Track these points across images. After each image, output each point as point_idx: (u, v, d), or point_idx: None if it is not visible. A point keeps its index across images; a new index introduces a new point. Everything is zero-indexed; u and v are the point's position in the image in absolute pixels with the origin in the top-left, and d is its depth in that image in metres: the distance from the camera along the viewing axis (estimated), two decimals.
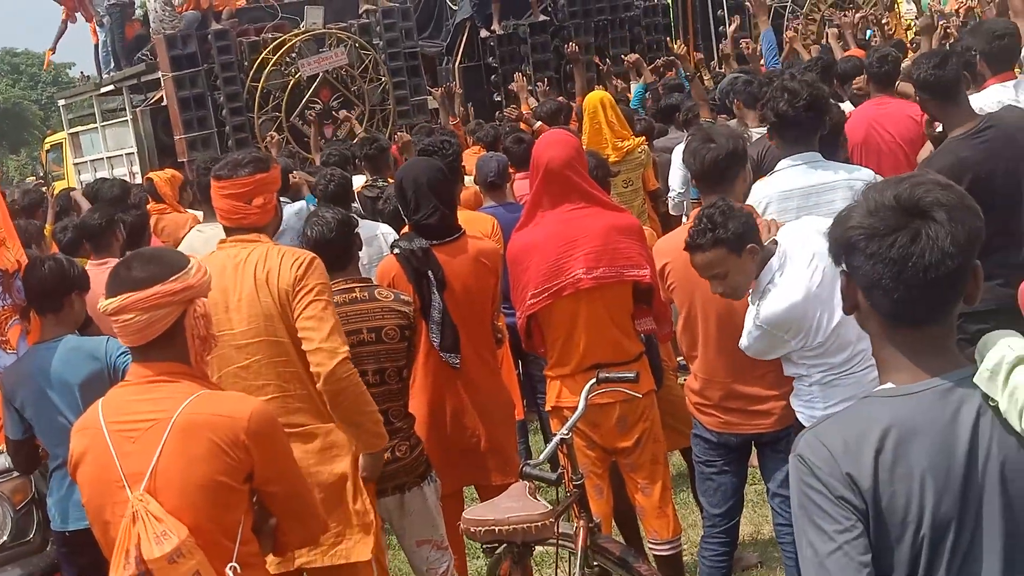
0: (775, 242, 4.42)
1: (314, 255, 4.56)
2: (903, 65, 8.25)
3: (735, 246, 4.25)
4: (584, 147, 8.07)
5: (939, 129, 5.97)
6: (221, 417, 3.21)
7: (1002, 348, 2.19)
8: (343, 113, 14.23)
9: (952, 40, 10.14)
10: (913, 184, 2.22)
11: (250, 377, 4.44)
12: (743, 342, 4.50)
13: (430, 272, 5.27)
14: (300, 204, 8.44)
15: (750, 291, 4.45)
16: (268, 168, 4.64)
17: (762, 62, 11.54)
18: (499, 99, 17.71)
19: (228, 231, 4.64)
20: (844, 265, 2.29)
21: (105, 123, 18.85)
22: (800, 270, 4.32)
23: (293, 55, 16.57)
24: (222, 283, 4.39)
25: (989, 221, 5.47)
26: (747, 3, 9.88)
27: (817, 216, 4.68)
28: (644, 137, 9.28)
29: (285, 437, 3.49)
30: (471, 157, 9.38)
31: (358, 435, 4.50)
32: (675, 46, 10.53)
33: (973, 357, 2.24)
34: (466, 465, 5.42)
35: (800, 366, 4.53)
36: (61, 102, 23.33)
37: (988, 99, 6.40)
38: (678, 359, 5.84)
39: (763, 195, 5.22)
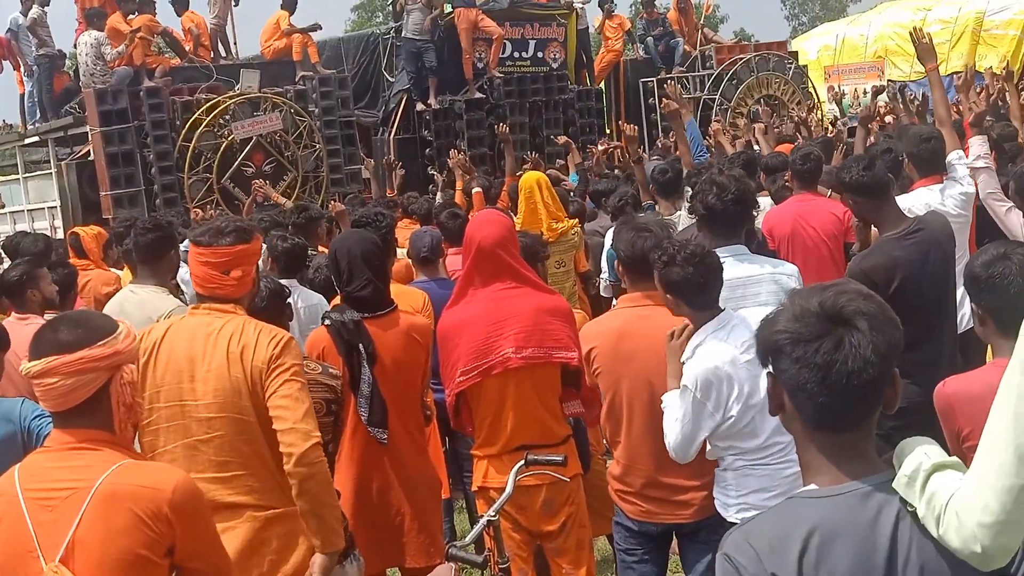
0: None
1: (290, 335, 4.47)
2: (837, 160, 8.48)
3: None
4: (519, 226, 8.21)
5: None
6: (144, 488, 3.10)
7: (919, 455, 2.28)
8: (256, 183, 13.73)
9: (871, 143, 10.44)
10: (837, 292, 2.31)
11: (211, 452, 4.29)
12: (671, 436, 4.56)
13: (361, 345, 5.28)
14: None
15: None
16: (250, 239, 4.49)
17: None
18: (432, 172, 17.85)
19: (201, 298, 4.54)
20: (770, 367, 2.37)
21: (28, 175, 18.63)
22: (734, 340, 4.44)
23: (227, 117, 16.58)
24: (190, 351, 4.28)
25: (915, 321, 5.64)
26: (665, 99, 10.02)
27: (744, 308, 4.80)
28: (577, 219, 9.39)
29: (210, 511, 3.41)
30: (404, 230, 9.43)
31: (318, 528, 4.25)
32: (627, 128, 10.59)
33: (891, 461, 2.33)
34: (391, 545, 5.35)
35: (715, 447, 4.63)
36: None
37: (916, 201, 6.58)
38: (605, 442, 5.88)
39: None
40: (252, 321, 4.44)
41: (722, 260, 5.12)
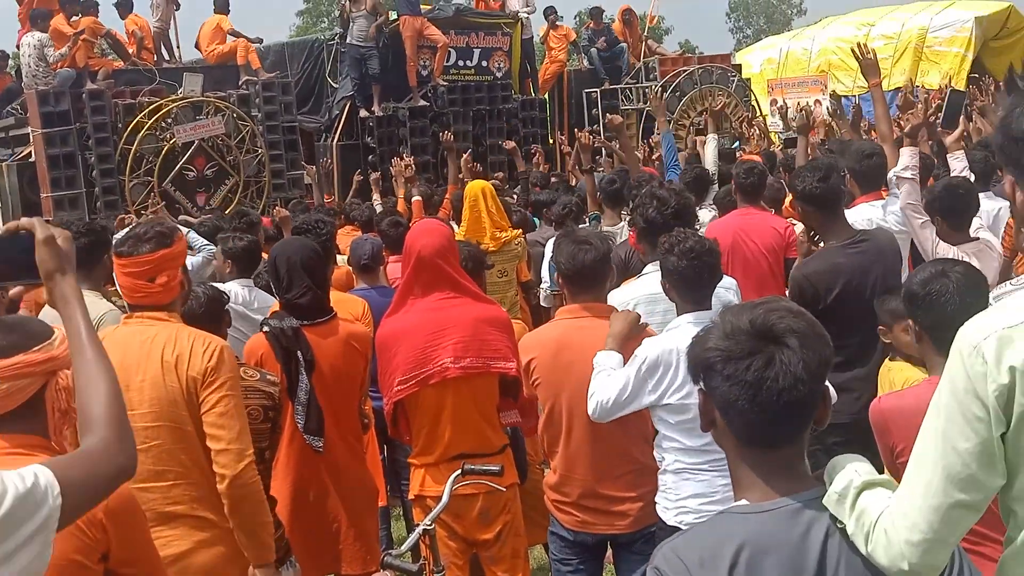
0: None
1: (225, 343, 4.43)
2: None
3: None
4: (463, 235, 8.21)
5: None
6: None
7: (849, 472, 2.30)
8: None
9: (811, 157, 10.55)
10: (768, 310, 2.32)
11: (148, 462, 4.22)
12: (602, 395, 4.66)
13: (299, 352, 5.26)
14: None
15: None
16: (171, 243, 4.43)
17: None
18: (373, 176, 17.79)
19: (133, 308, 4.49)
20: (702, 384, 2.38)
21: None
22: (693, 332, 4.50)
23: (169, 121, 16.46)
24: (124, 361, 4.23)
25: (855, 332, 5.68)
26: (609, 115, 10.03)
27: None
28: (520, 229, 9.41)
29: (144, 518, 3.41)
30: (345, 237, 9.40)
31: (251, 544, 4.31)
32: (582, 136, 10.58)
33: (822, 478, 2.35)
34: (327, 552, 5.36)
35: (659, 445, 4.71)
36: None
37: (858, 216, 6.65)
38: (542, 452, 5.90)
39: (630, 297, 5.36)
40: (186, 329, 4.42)
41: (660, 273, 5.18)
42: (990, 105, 11.15)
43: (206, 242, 8.31)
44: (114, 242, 4.81)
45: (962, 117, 9.84)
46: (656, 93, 10.88)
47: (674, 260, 4.73)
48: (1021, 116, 2.19)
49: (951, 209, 6.21)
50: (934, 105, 9.80)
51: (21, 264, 2.66)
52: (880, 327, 4.62)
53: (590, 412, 4.73)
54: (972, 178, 7.34)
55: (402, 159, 13.52)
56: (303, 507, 5.32)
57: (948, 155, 7.71)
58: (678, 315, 4.80)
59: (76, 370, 2.71)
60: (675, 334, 4.68)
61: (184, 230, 8.27)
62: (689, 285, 4.75)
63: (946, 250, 6.02)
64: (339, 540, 5.35)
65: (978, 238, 6.31)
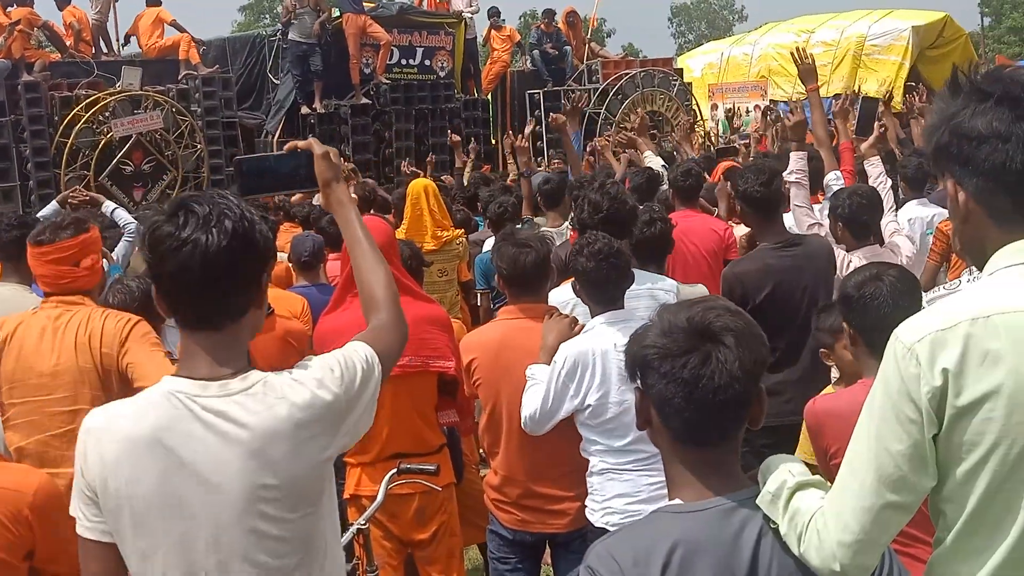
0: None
1: (139, 317, 4.45)
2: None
3: None
4: (403, 234, 8.18)
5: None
6: (4, 490, 3.09)
7: (783, 473, 2.31)
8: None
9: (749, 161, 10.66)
10: (705, 308, 2.33)
11: (63, 447, 4.25)
12: (529, 407, 4.70)
13: None
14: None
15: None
16: (88, 229, 4.52)
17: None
18: None
19: (48, 295, 4.47)
20: (639, 382, 2.39)
21: None
22: (622, 333, 4.53)
23: (107, 114, 16.28)
24: (39, 346, 4.24)
25: (786, 333, 5.71)
26: (553, 114, 10.07)
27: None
28: (462, 229, 9.39)
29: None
30: (284, 234, 9.33)
31: None
32: (518, 139, 10.58)
33: (756, 478, 2.36)
34: None
35: (584, 449, 4.75)
36: None
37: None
38: (479, 452, 5.89)
39: (569, 297, 5.37)
40: (99, 309, 4.45)
41: None
42: (928, 108, 11.27)
43: (130, 218, 8.21)
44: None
45: (876, 123, 9.95)
46: (641, 118, 10.98)
47: (583, 261, 4.78)
48: (974, 116, 2.21)
49: (851, 219, 6.28)
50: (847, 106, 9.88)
51: (302, 175, 3.17)
52: (821, 351, 4.61)
53: (523, 426, 4.77)
54: (890, 184, 7.41)
55: (345, 159, 13.43)
56: None
57: (864, 162, 7.78)
58: (591, 317, 4.83)
59: (356, 262, 3.07)
60: (590, 336, 4.73)
61: (110, 206, 8.22)
62: (597, 286, 4.81)
63: (839, 254, 6.10)
64: None
65: (876, 244, 6.38)
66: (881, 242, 6.60)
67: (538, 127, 19.23)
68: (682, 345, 2.29)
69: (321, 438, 2.63)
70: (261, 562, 2.59)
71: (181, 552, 2.55)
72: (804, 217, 6.42)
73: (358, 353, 2.77)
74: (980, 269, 2.30)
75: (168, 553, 2.55)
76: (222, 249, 2.54)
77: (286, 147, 3.19)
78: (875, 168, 7.54)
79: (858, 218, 6.26)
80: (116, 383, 4.31)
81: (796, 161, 6.69)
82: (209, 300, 2.58)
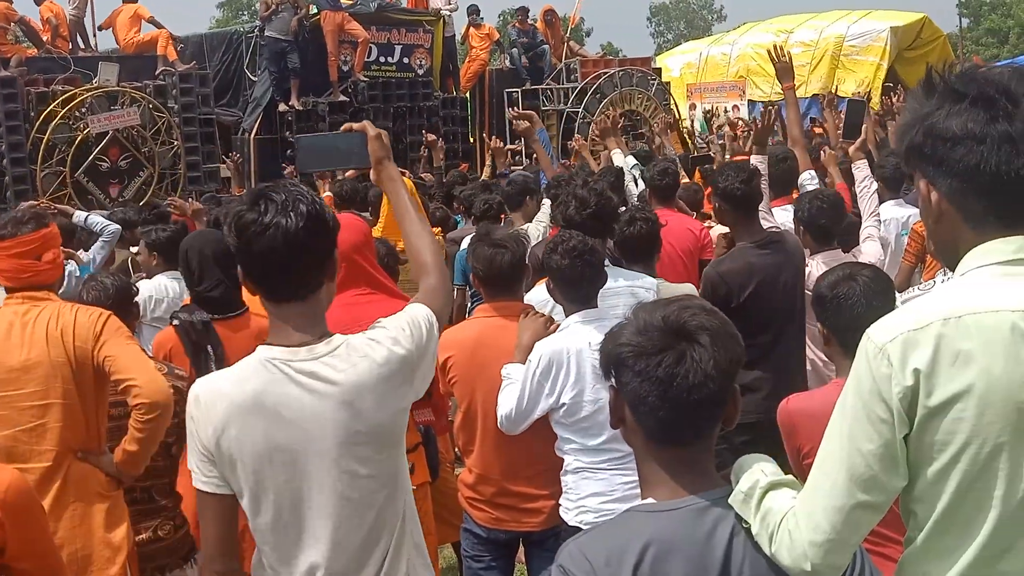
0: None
1: (110, 312, 4.46)
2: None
3: None
4: (380, 232, 8.15)
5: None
6: None
7: (756, 472, 2.32)
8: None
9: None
10: (681, 307, 2.33)
11: (32, 441, 4.27)
12: (505, 407, 4.71)
13: (209, 347, 5.19)
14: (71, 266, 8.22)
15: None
16: (48, 224, 4.55)
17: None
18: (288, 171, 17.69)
19: (11, 291, 4.48)
20: (613, 380, 2.38)
21: None
22: (597, 331, 4.53)
23: (83, 110, 16.22)
24: (8, 342, 4.24)
25: (766, 332, 5.72)
26: (515, 120, 10.06)
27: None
28: (440, 227, 9.36)
29: (42, 511, 3.37)
30: None
31: (136, 455, 4.37)
32: (491, 141, 10.59)
33: (729, 477, 2.36)
34: None
35: (559, 448, 4.75)
36: None
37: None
38: (454, 451, 5.89)
39: (546, 296, 5.36)
40: (68, 304, 4.47)
41: None
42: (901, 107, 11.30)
43: (108, 222, 8.17)
44: None
45: (864, 126, 9.98)
46: (611, 116, 10.94)
47: (557, 259, 4.78)
48: (948, 117, 2.21)
49: (809, 222, 6.31)
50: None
51: (356, 153, 3.50)
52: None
53: (499, 425, 4.78)
54: (875, 187, 7.44)
55: None
56: None
57: (852, 165, 7.80)
58: (566, 316, 4.83)
59: (405, 230, 3.45)
60: (565, 334, 4.73)
61: (81, 216, 8.19)
62: (572, 284, 4.81)
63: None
64: (244, 538, 5.27)
65: (838, 248, 6.40)
66: (852, 246, 6.63)
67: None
68: (657, 343, 2.28)
69: (400, 388, 3.07)
70: (356, 498, 3.02)
71: (288, 495, 2.98)
72: (761, 221, 6.43)
73: (420, 313, 3.19)
74: (952, 270, 2.30)
75: (278, 496, 2.98)
76: (300, 230, 2.91)
77: (342, 128, 3.55)
78: (861, 172, 7.58)
79: (815, 222, 6.28)
80: (91, 377, 4.31)
81: (757, 164, 6.71)
82: (292, 275, 2.98)
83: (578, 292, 4.81)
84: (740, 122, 16.35)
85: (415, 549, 3.22)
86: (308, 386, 2.96)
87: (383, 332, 3.09)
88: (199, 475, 3.00)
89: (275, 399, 2.95)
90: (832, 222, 6.40)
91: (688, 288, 5.94)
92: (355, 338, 3.06)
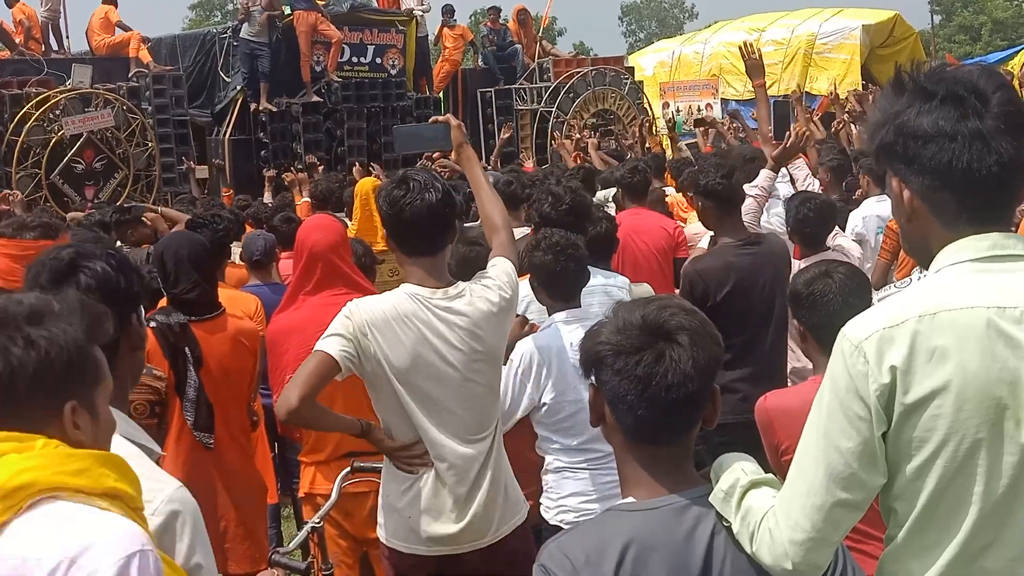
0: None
1: None
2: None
3: None
4: (355, 233, 8.15)
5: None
6: None
7: (736, 471, 2.32)
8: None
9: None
10: (660, 307, 2.34)
11: None
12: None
13: (187, 349, 5.18)
14: None
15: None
16: (56, 236, 4.55)
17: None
18: (268, 174, 17.65)
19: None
20: (592, 379, 2.39)
21: None
22: (579, 332, 4.53)
23: (57, 112, 16.14)
24: None
25: (743, 332, 5.73)
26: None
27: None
28: None
29: None
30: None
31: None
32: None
33: (708, 476, 2.38)
34: (215, 550, 5.19)
35: (539, 447, 4.77)
36: None
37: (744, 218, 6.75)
38: None
39: (524, 293, 5.37)
40: None
41: None
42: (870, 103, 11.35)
43: None
44: None
45: (792, 124, 10.02)
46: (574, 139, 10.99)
47: (540, 255, 4.79)
48: (919, 115, 2.23)
49: (795, 229, 6.35)
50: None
51: (441, 139, 4.62)
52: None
53: None
54: (816, 185, 7.50)
55: (294, 173, 13.17)
56: None
57: (788, 165, 7.80)
58: (548, 314, 4.83)
59: (480, 198, 4.45)
60: (548, 333, 4.74)
61: None
62: (555, 281, 4.81)
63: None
64: (227, 538, 5.27)
65: (828, 248, 6.45)
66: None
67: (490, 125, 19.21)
68: (636, 342, 2.29)
69: (505, 322, 4.17)
70: (475, 404, 4.08)
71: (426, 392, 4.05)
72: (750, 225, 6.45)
73: (509, 267, 4.18)
74: (925, 268, 2.32)
75: (421, 389, 4.04)
76: (437, 202, 3.96)
77: (430, 120, 4.85)
78: (800, 171, 7.62)
79: (802, 229, 6.31)
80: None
81: (764, 179, 6.70)
82: (431, 235, 4.03)
83: (561, 289, 4.80)
84: (709, 120, 16.39)
85: (503, 452, 4.20)
86: (444, 317, 3.99)
87: (491, 280, 4.10)
88: (330, 345, 3.92)
89: (419, 321, 3.96)
90: (818, 229, 6.43)
91: (648, 289, 5.93)
92: (473, 284, 4.10)
